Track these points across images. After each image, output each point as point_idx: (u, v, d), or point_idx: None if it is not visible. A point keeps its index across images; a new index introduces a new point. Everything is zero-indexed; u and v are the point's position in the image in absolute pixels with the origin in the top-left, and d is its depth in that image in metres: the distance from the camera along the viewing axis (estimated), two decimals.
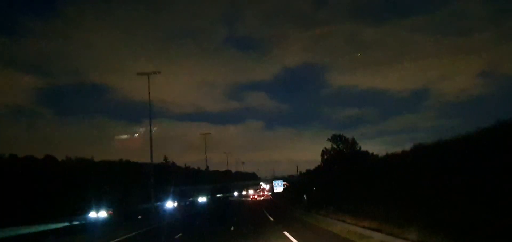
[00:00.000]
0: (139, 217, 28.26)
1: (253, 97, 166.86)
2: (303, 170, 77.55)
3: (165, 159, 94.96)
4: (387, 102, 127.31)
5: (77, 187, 48.46)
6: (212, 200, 75.58)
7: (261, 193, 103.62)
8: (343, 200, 21.34)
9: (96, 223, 26.59)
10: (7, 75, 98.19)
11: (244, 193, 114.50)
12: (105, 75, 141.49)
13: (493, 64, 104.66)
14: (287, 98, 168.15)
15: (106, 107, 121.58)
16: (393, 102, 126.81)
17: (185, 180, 79.85)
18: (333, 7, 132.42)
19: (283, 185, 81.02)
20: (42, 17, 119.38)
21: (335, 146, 50.47)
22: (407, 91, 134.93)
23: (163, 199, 44.65)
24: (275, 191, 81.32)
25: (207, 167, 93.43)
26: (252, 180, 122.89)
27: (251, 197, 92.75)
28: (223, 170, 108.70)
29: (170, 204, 45.12)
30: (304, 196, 29.60)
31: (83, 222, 27.48)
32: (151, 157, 29.26)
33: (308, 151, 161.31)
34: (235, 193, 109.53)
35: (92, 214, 34.51)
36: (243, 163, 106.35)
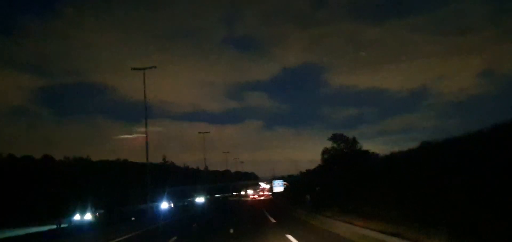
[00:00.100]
0: (133, 218, 26.65)
1: (252, 97, 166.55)
2: (303, 170, 76.69)
3: (164, 158, 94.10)
4: (387, 102, 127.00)
5: (74, 187, 47.39)
6: (210, 200, 74.31)
7: (261, 193, 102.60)
8: (348, 201, 20.13)
9: (81, 226, 24.99)
10: (7, 75, 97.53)
11: (243, 193, 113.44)
12: (104, 75, 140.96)
13: (493, 63, 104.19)
14: (287, 98, 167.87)
15: (105, 107, 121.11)
16: (393, 102, 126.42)
17: (184, 180, 78.84)
18: (332, 7, 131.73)
19: (283, 184, 79.97)
20: (41, 18, 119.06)
21: (335, 145, 50.00)
22: (406, 91, 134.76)
23: (160, 199, 43.19)
24: (275, 190, 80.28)
25: (206, 166, 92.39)
26: (252, 179, 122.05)
27: (251, 197, 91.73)
28: (223, 170, 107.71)
29: (165, 205, 43.21)
30: (307, 196, 28.30)
31: (65, 225, 26.00)
32: (147, 156, 28.10)
33: (307, 151, 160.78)
34: (235, 193, 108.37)
35: (77, 217, 32.94)
36: (242, 162, 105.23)
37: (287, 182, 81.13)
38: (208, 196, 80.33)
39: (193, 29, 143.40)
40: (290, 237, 14.77)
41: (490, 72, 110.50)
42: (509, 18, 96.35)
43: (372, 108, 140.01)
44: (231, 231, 18.86)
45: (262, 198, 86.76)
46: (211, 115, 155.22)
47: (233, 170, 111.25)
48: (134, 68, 28.77)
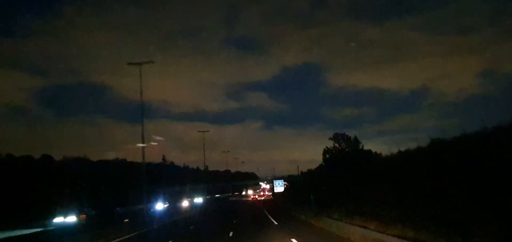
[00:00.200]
0: (126, 220, 24.87)
1: (252, 97, 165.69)
2: (303, 170, 75.88)
3: (164, 158, 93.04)
4: (387, 102, 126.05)
5: (72, 187, 46.43)
6: (209, 201, 73.10)
7: (262, 193, 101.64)
8: (353, 201, 18.85)
9: (63, 229, 23.21)
10: (7, 75, 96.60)
11: (243, 193, 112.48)
12: (104, 75, 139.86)
13: (493, 63, 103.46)
14: (287, 98, 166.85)
15: (105, 107, 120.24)
16: (393, 102, 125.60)
17: (183, 180, 77.75)
18: (332, 6, 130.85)
19: (284, 185, 79.06)
20: (41, 18, 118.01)
21: (337, 145, 49.09)
22: (406, 90, 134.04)
23: (158, 199, 41.69)
24: (276, 191, 79.34)
25: (207, 166, 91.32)
26: (252, 180, 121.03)
27: (251, 197, 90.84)
28: (223, 170, 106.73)
29: (160, 206, 41.19)
30: (311, 196, 27.08)
31: (47, 228, 23.91)
32: (143, 155, 26.98)
33: (307, 151, 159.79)
34: (236, 193, 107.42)
35: (58, 219, 30.64)
36: (242, 162, 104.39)
37: (287, 182, 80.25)
38: (208, 196, 79.31)
39: (194, 30, 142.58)
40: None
41: (490, 72, 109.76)
42: (509, 18, 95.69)
43: (371, 108, 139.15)
44: (231, 234, 17.74)
45: (262, 198, 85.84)
46: (211, 116, 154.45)
47: (233, 170, 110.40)
48: (130, 63, 27.70)
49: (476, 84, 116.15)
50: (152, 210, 34.42)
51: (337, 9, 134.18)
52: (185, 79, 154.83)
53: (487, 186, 9.14)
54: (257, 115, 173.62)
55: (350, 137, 48.24)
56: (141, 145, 26.95)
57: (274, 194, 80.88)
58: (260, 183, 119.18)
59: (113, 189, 49.07)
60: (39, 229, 21.46)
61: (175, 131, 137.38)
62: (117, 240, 18.64)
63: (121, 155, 73.73)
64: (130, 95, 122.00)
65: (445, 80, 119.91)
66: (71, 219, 31.23)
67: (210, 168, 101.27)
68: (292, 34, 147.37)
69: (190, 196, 60.54)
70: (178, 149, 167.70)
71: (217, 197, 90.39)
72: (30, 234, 19.19)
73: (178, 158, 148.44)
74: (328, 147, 48.64)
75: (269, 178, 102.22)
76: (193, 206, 51.80)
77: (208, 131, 70.44)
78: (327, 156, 49.95)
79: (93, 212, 35.25)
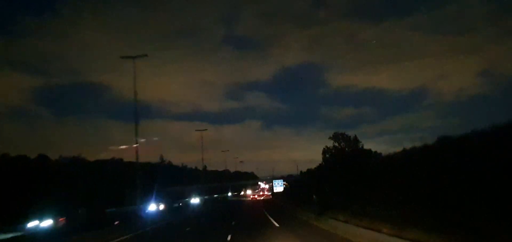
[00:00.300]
0: (116, 222, 23.41)
1: (252, 97, 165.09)
2: (303, 169, 75.22)
3: (162, 158, 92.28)
4: (386, 101, 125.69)
5: (68, 188, 45.66)
6: (207, 201, 72.31)
7: (261, 193, 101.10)
8: (357, 202, 18.21)
9: (33, 235, 21.16)
10: (5, 75, 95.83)
11: (242, 193, 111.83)
12: (103, 75, 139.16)
13: (493, 63, 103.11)
14: (286, 98, 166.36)
15: (104, 107, 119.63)
16: (392, 102, 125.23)
17: (182, 180, 77.06)
18: (331, 6, 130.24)
19: (283, 184, 78.44)
20: (40, 17, 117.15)
21: (336, 144, 48.61)
22: (406, 90, 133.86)
23: (151, 200, 40.15)
24: (275, 191, 78.69)
25: (205, 166, 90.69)
26: (251, 179, 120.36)
27: (251, 196, 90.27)
28: (222, 169, 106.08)
29: (153, 207, 39.27)
30: (314, 196, 26.24)
31: (16, 234, 21.84)
32: (137, 154, 26.21)
33: (306, 151, 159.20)
34: (235, 193, 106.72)
35: (33, 224, 28.36)
36: (241, 162, 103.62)
37: (286, 182, 79.66)
38: (206, 196, 78.53)
39: (193, 29, 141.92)
40: None
41: (489, 72, 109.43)
42: (509, 18, 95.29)
43: (371, 108, 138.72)
44: (229, 237, 16.96)
45: (262, 198, 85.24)
46: (211, 115, 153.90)
47: (232, 170, 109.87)
48: (124, 57, 26.95)
49: (476, 84, 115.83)
50: (146, 211, 32.43)
51: (337, 9, 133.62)
52: (184, 79, 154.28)
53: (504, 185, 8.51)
54: (256, 115, 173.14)
55: (350, 136, 47.78)
56: (135, 145, 26.27)
57: (273, 194, 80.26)
58: (259, 183, 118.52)
59: (109, 189, 48.31)
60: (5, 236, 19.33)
61: (174, 130, 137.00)
62: None
63: (118, 154, 73.00)
64: (129, 95, 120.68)
65: (445, 80, 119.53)
66: (47, 223, 28.94)
67: (209, 168, 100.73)
68: (292, 34, 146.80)
69: (187, 196, 59.46)
70: (177, 149, 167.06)
71: (216, 197, 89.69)
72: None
73: (176, 158, 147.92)
74: (328, 146, 48.13)
75: (268, 177, 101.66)
76: (190, 206, 50.80)
77: (206, 129, 69.81)
78: (327, 155, 49.46)
79: (79, 213, 32.35)
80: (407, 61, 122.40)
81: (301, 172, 77.23)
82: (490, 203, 9.19)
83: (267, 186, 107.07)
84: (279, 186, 78.55)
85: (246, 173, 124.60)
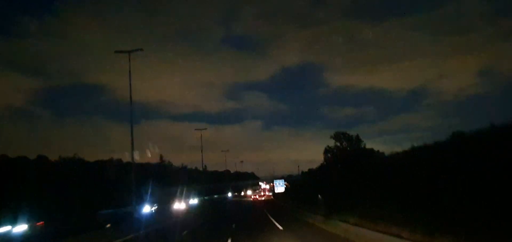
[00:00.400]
0: (108, 225, 21.77)
1: (251, 97, 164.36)
2: (303, 169, 74.61)
3: (161, 158, 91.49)
4: (386, 101, 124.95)
5: (65, 189, 44.90)
6: (207, 202, 71.40)
7: (262, 193, 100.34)
8: (367, 203, 17.22)
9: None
10: (4, 76, 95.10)
11: (243, 193, 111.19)
12: (102, 76, 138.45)
13: (492, 63, 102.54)
14: (286, 98, 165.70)
15: (103, 108, 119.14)
16: (392, 102, 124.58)
17: (180, 180, 76.26)
18: (331, 6, 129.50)
19: (285, 184, 77.66)
20: (38, 18, 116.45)
21: (338, 144, 47.83)
22: (405, 90, 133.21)
23: (146, 201, 38.85)
24: (276, 191, 77.88)
25: (205, 166, 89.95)
26: (251, 180, 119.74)
27: (252, 197, 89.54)
28: (222, 170, 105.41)
29: (147, 209, 37.58)
30: (319, 196, 25.22)
31: None
32: (132, 153, 25.26)
33: (307, 151, 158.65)
34: (235, 193, 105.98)
35: (4, 229, 25.98)
36: (242, 162, 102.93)
37: (287, 182, 78.96)
38: (206, 197, 77.68)
39: (192, 30, 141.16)
40: None
41: (489, 72, 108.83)
42: (508, 18, 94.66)
43: (371, 108, 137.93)
44: (229, 241, 16.18)
45: (263, 198, 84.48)
46: (210, 116, 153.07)
47: (232, 170, 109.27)
48: (118, 51, 26.03)
49: (476, 83, 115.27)
50: (140, 213, 30.76)
51: (336, 9, 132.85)
52: (183, 79, 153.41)
53: None
54: (256, 115, 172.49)
55: (352, 135, 46.95)
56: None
57: (274, 194, 79.54)
58: (260, 183, 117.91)
59: (108, 190, 47.48)
60: None
61: (174, 131, 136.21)
62: None
63: (116, 155, 72.25)
64: (128, 96, 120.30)
65: (444, 80, 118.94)
66: (21, 228, 26.49)
67: (209, 169, 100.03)
68: (291, 33, 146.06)
69: (186, 197, 58.15)
70: (177, 149, 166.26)
71: (216, 198, 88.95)
72: None
73: (176, 158, 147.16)
74: (330, 146, 47.38)
75: (268, 178, 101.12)
76: (188, 208, 49.66)
77: (206, 128, 68.74)
78: (329, 155, 48.75)
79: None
80: (407, 61, 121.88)
81: (302, 172, 76.71)
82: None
83: (267, 186, 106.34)
84: (280, 186, 77.72)
85: (246, 173, 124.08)
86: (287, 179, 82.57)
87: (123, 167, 67.09)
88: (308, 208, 27.31)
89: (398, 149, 19.98)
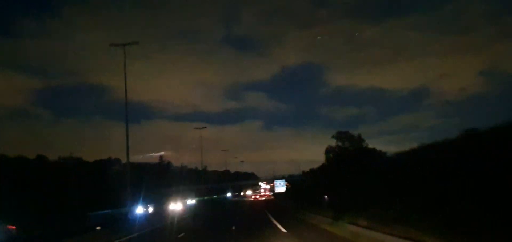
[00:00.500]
0: (98, 227, 20.16)
1: (252, 97, 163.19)
2: (305, 169, 73.73)
3: (161, 158, 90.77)
4: (387, 101, 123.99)
5: (61, 189, 44.18)
6: (206, 202, 70.53)
7: (262, 193, 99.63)
8: (377, 205, 16.21)
9: None
10: (5, 76, 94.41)
11: (243, 193, 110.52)
12: (102, 76, 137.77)
13: (494, 62, 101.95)
14: (286, 98, 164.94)
15: (103, 108, 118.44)
16: (393, 102, 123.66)
17: (180, 180, 75.53)
18: (332, 5, 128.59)
19: (285, 184, 76.81)
20: (39, 18, 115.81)
21: (340, 143, 47.00)
22: (406, 90, 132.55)
23: (139, 202, 37.65)
24: (276, 191, 77.02)
25: (205, 166, 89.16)
26: (252, 180, 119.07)
27: (252, 197, 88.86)
28: (222, 170, 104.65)
29: (140, 210, 36.21)
30: (325, 196, 24.21)
31: None
32: (127, 153, 24.45)
33: (307, 151, 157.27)
34: (235, 194, 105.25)
35: None
36: (242, 161, 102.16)
37: (288, 182, 78.19)
38: (205, 197, 76.95)
39: (192, 29, 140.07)
40: None
41: (490, 70, 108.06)
42: (509, 17, 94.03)
43: (372, 108, 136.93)
44: None
45: (263, 198, 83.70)
46: (210, 116, 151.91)
47: (232, 170, 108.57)
48: (113, 44, 25.29)
49: (477, 83, 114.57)
50: (133, 214, 29.47)
51: (337, 9, 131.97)
52: (183, 79, 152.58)
53: None
54: (256, 115, 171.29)
55: (353, 135, 46.09)
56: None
57: (275, 194, 78.75)
58: (260, 183, 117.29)
59: (106, 190, 46.72)
60: None
61: (173, 131, 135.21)
62: None
63: (116, 155, 71.53)
64: (129, 96, 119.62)
65: (446, 80, 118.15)
66: None
67: (209, 169, 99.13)
68: (292, 33, 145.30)
69: (183, 197, 56.94)
70: (177, 149, 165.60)
71: (215, 198, 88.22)
72: None
73: (176, 158, 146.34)
74: (331, 145, 46.56)
75: (269, 178, 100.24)
76: (185, 208, 48.59)
77: (205, 127, 67.79)
78: (330, 155, 47.96)
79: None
80: (407, 61, 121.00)
81: (303, 172, 75.89)
82: None
83: (268, 186, 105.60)
84: (281, 186, 76.77)
85: (246, 173, 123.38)
86: (287, 179, 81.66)
87: (122, 167, 66.54)
88: (310, 208, 26.44)
89: (400, 149, 19.19)
